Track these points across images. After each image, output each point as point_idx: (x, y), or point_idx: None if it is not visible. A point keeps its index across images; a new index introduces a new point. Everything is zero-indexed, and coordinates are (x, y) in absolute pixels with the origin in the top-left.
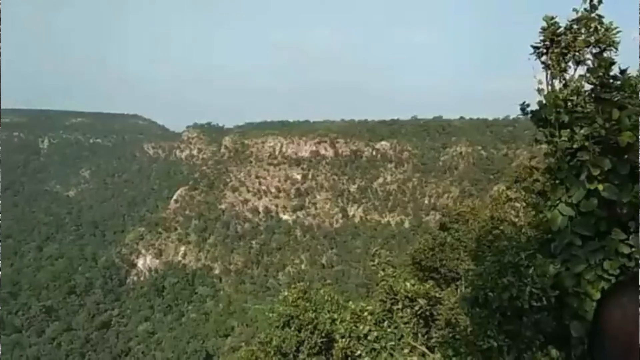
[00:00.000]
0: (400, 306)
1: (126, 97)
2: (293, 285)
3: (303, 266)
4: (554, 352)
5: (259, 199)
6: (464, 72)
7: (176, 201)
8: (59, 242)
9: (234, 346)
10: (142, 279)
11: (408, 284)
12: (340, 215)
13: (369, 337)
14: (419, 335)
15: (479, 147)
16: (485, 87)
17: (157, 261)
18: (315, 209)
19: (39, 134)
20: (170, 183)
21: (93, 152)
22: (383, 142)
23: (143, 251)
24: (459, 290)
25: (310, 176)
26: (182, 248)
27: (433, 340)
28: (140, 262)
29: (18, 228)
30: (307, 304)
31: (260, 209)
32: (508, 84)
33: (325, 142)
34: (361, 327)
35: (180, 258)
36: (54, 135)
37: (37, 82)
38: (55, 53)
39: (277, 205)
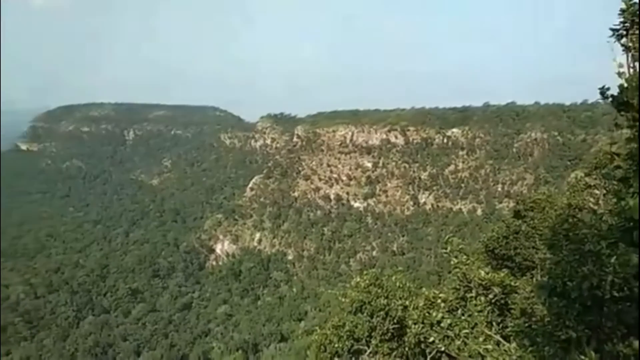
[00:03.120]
0: (474, 294)
1: (205, 90)
2: (365, 272)
3: (374, 253)
4: (636, 344)
5: (331, 186)
6: (538, 57)
7: (251, 189)
8: (144, 228)
9: (307, 329)
10: (220, 263)
11: (482, 272)
12: (411, 202)
13: (442, 324)
14: (494, 324)
15: (555, 133)
16: (561, 72)
17: (234, 246)
18: (386, 196)
19: (125, 126)
20: (246, 172)
21: (174, 142)
22: (454, 130)
23: (221, 237)
24: (534, 279)
25: (380, 164)
26: (258, 234)
27: (508, 329)
28: (218, 248)
29: (107, 215)
30: (379, 291)
31: (332, 197)
32: (585, 67)
33: (396, 130)
34: (434, 314)
35: (255, 244)
36: (138, 127)
37: (124, 78)
38: (143, 53)
39: (348, 193)
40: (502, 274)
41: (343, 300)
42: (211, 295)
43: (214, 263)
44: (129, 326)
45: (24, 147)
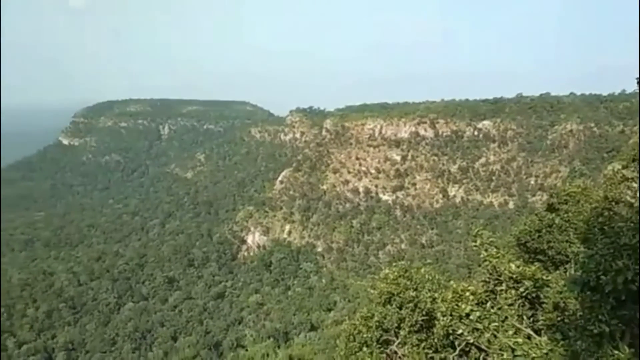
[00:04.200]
0: (504, 287)
1: (236, 85)
2: (394, 264)
3: (403, 245)
4: None
5: (359, 179)
6: (573, 48)
7: (281, 182)
8: (179, 219)
9: (336, 319)
10: (251, 254)
11: (513, 265)
12: (440, 195)
13: (471, 317)
14: (524, 317)
15: (592, 124)
16: (597, 63)
17: (265, 238)
18: (415, 189)
19: (160, 121)
20: (276, 165)
21: (207, 137)
22: (485, 122)
23: (252, 228)
24: (567, 273)
25: (409, 157)
26: (287, 226)
27: (539, 323)
28: (249, 239)
29: (144, 206)
30: (408, 283)
31: (361, 190)
32: (624, 58)
33: (425, 122)
34: (463, 307)
35: (285, 235)
36: (172, 122)
37: (159, 75)
38: (177, 50)
39: (376, 186)
40: (534, 268)
41: (372, 291)
42: (243, 284)
43: (246, 254)
44: (166, 313)
45: (66, 141)
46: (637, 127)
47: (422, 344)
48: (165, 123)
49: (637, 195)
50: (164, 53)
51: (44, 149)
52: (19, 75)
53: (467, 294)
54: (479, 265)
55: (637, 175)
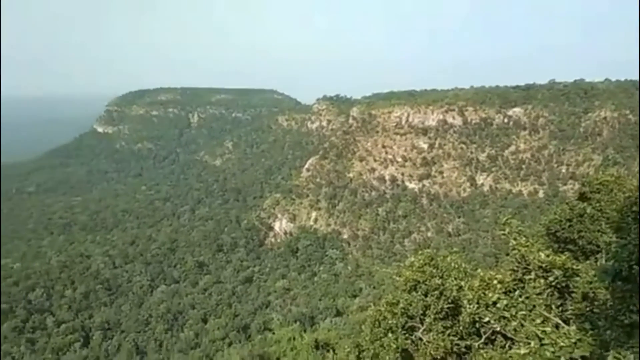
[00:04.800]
0: (532, 276)
1: (264, 74)
2: (419, 252)
3: (429, 234)
4: None
5: (385, 167)
6: (609, 32)
7: (307, 170)
8: (208, 206)
9: (362, 305)
10: (278, 240)
11: (542, 254)
12: (468, 184)
13: (498, 305)
14: (553, 307)
15: (627, 112)
16: (634, 48)
17: (292, 225)
18: (442, 177)
19: (190, 109)
20: (302, 153)
21: (235, 125)
22: (516, 109)
23: (279, 215)
24: (598, 263)
25: (437, 145)
26: (314, 213)
27: (568, 312)
28: (276, 225)
29: (175, 193)
30: (434, 270)
31: (387, 178)
32: None
33: (453, 110)
34: (490, 295)
35: (312, 222)
36: (202, 111)
37: (189, 64)
38: (206, 39)
39: (403, 174)
40: (564, 257)
41: (397, 279)
42: (270, 270)
43: (273, 240)
44: (197, 296)
45: (100, 129)
46: None
47: (448, 331)
48: (194, 111)
49: None
50: (194, 42)
51: (80, 136)
52: (57, 65)
53: (495, 282)
54: (507, 255)
55: None
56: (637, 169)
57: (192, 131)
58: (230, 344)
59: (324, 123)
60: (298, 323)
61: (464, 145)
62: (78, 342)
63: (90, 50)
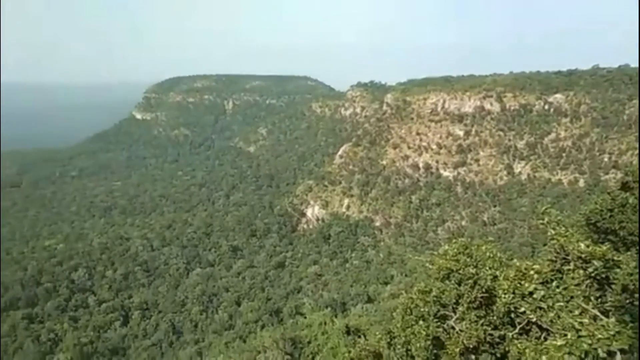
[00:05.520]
0: (571, 267)
1: (298, 60)
2: (453, 240)
3: (463, 222)
4: None
5: (420, 155)
6: None
7: (340, 157)
8: (242, 192)
9: (393, 293)
10: (310, 226)
11: (582, 245)
12: (505, 172)
13: (534, 295)
14: (591, 298)
15: None
16: None
17: (324, 211)
18: (478, 165)
19: (225, 96)
20: (335, 140)
21: (269, 111)
22: (557, 95)
23: (311, 202)
24: None
25: (473, 132)
26: (346, 200)
27: (607, 304)
28: (309, 212)
29: (210, 179)
30: (468, 259)
31: (421, 165)
32: None
33: (491, 96)
34: (526, 285)
35: (344, 209)
36: (236, 97)
37: (224, 51)
38: (241, 26)
39: (437, 162)
40: (604, 248)
41: (430, 267)
42: (302, 255)
43: (305, 226)
44: (231, 279)
45: (139, 116)
46: None
47: (481, 321)
48: (229, 98)
49: None
50: (230, 28)
51: (119, 123)
52: (98, 53)
53: (532, 272)
54: (544, 245)
55: None
56: None
57: (227, 118)
58: (262, 327)
59: (358, 110)
60: (329, 308)
61: (501, 133)
62: (118, 320)
63: (131, 37)
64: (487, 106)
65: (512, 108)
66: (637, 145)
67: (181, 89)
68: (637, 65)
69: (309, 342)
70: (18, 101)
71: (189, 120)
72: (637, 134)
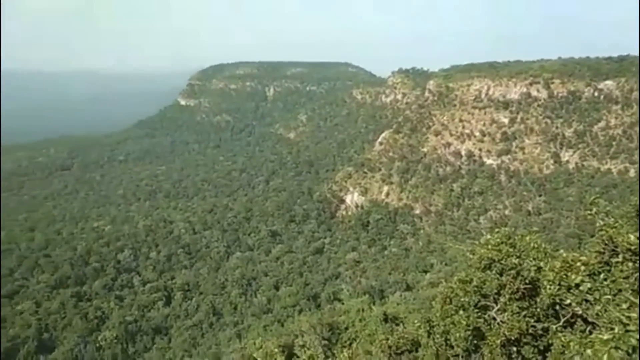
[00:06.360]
0: (620, 259)
1: (339, 47)
2: (496, 230)
3: (507, 212)
4: None
5: (462, 142)
6: None
7: (380, 143)
8: (282, 177)
9: (432, 281)
10: (349, 213)
11: (632, 236)
12: (551, 160)
13: (581, 288)
14: None
15: None
16: None
17: (363, 198)
18: (523, 153)
19: (266, 83)
20: (376, 126)
21: (309, 98)
22: (608, 82)
23: (350, 188)
24: None
25: (518, 119)
26: (385, 187)
27: None
28: (348, 198)
29: (250, 164)
30: (511, 249)
31: (463, 153)
32: None
33: (538, 82)
34: (572, 277)
35: (383, 197)
36: (277, 84)
37: (267, 38)
38: (285, 11)
39: (480, 149)
40: None
41: (471, 256)
42: (341, 242)
43: (344, 213)
44: (269, 263)
45: (183, 102)
46: None
47: (524, 312)
48: (270, 85)
49: None
50: (274, 13)
51: (164, 109)
52: (146, 42)
53: (578, 264)
54: (592, 236)
55: None
56: None
57: (267, 104)
58: (300, 312)
59: (399, 96)
60: (367, 295)
61: (548, 120)
62: (161, 300)
63: (174, 26)
64: (534, 93)
65: (560, 95)
66: None
67: (224, 76)
68: None
69: (346, 328)
70: (73, 89)
71: (230, 106)
72: None
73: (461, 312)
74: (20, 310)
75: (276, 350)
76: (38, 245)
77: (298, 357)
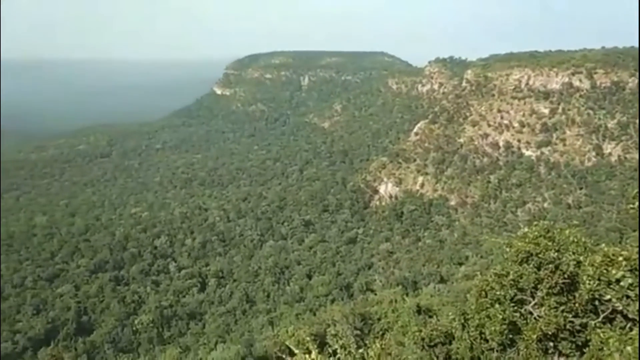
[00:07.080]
0: None
1: (375, 36)
2: (534, 223)
3: (545, 204)
4: None
5: (500, 133)
6: None
7: (416, 134)
8: (315, 167)
9: (467, 274)
10: (383, 203)
11: None
12: (593, 153)
13: (621, 283)
14: None
15: None
16: None
17: (397, 189)
18: (564, 145)
19: (301, 72)
20: (411, 116)
21: (344, 87)
22: None
23: (385, 179)
24: None
25: (559, 110)
26: (420, 178)
27: None
28: (382, 189)
29: (284, 153)
30: (549, 243)
31: (501, 144)
32: None
33: (581, 72)
34: (613, 272)
35: (418, 187)
36: (312, 74)
37: (303, 27)
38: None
39: (519, 141)
40: None
41: (508, 249)
42: (374, 232)
43: (378, 203)
44: (302, 252)
45: (218, 91)
46: None
47: (562, 307)
48: (305, 74)
49: None
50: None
51: (200, 98)
52: (185, 30)
53: (619, 259)
54: (634, 231)
55: None
56: None
57: (302, 94)
58: (333, 301)
59: (435, 86)
60: (400, 286)
61: (590, 111)
62: (196, 287)
63: (213, 17)
64: (576, 83)
65: (603, 85)
66: None
67: (259, 65)
68: None
69: (379, 319)
70: (113, 78)
71: (265, 95)
72: None
73: (497, 305)
74: (60, 293)
75: (308, 338)
76: (78, 230)
77: (330, 346)
